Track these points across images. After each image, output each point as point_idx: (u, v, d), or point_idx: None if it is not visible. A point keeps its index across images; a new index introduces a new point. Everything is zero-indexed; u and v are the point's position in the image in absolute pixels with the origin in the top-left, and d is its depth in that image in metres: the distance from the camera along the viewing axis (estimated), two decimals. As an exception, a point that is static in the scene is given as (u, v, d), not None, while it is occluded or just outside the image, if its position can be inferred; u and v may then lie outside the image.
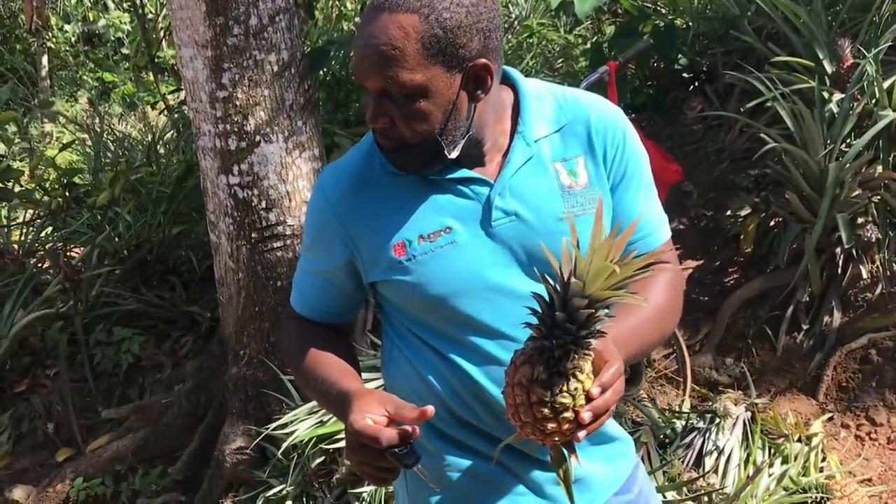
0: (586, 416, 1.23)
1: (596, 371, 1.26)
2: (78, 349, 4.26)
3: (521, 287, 1.46)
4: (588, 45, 5.56)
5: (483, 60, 1.37)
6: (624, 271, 1.18)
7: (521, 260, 1.47)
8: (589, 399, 1.24)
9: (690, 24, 4.86)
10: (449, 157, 1.43)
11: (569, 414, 1.22)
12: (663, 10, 5.29)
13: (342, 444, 2.95)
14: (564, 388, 1.22)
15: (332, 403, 1.49)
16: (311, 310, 1.64)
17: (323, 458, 3.05)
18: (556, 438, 1.25)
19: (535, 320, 1.25)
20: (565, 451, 1.31)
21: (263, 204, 3.26)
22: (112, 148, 5.95)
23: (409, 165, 1.44)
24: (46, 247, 4.99)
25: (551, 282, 1.23)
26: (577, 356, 1.22)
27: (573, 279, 1.19)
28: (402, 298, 1.52)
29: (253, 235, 3.28)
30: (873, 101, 3.54)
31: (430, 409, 1.33)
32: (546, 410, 1.22)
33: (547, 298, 1.22)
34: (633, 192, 1.53)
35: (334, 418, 2.97)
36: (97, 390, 4.20)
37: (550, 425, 1.23)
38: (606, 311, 1.22)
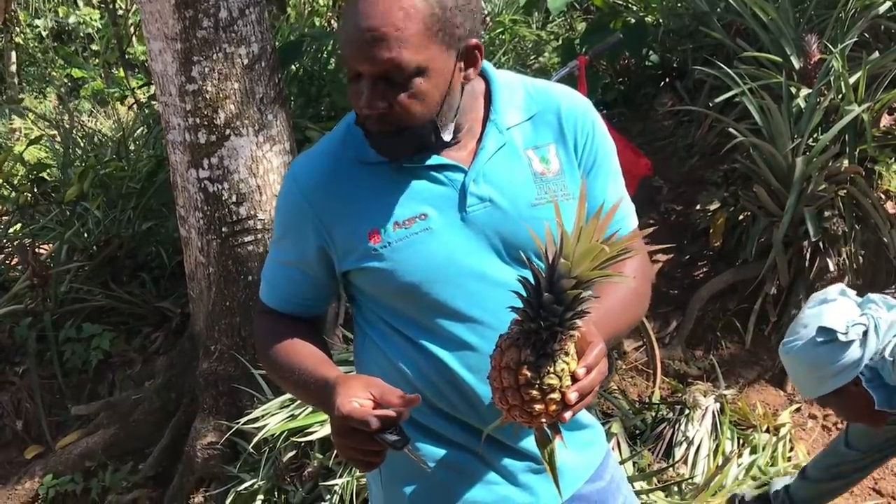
0: (573, 396, 1.26)
1: (579, 352, 1.28)
2: (47, 346, 4.22)
3: (495, 273, 1.47)
4: (560, 42, 5.58)
5: (474, 40, 1.40)
6: (611, 251, 1.20)
7: (496, 245, 1.48)
8: (575, 380, 1.26)
9: (660, 20, 4.89)
10: (444, 139, 1.44)
11: (555, 395, 1.25)
12: (634, 7, 5.32)
13: (313, 437, 2.95)
14: (551, 369, 1.25)
15: (311, 393, 1.48)
16: (283, 302, 1.62)
17: (294, 452, 3.05)
18: (543, 420, 1.28)
19: (519, 304, 1.26)
20: (549, 433, 1.33)
21: (234, 198, 3.24)
22: (81, 144, 5.90)
23: (401, 151, 1.44)
24: (14, 243, 4.94)
25: (537, 263, 1.24)
26: (563, 337, 1.25)
27: (561, 260, 1.20)
28: (376, 286, 1.51)
29: (223, 230, 3.27)
30: (839, 96, 3.59)
31: (417, 396, 1.34)
32: (534, 392, 1.25)
33: (532, 281, 1.24)
34: (603, 179, 1.56)
35: (305, 412, 2.96)
36: (66, 387, 4.17)
37: (538, 407, 1.25)
38: (590, 292, 1.24)
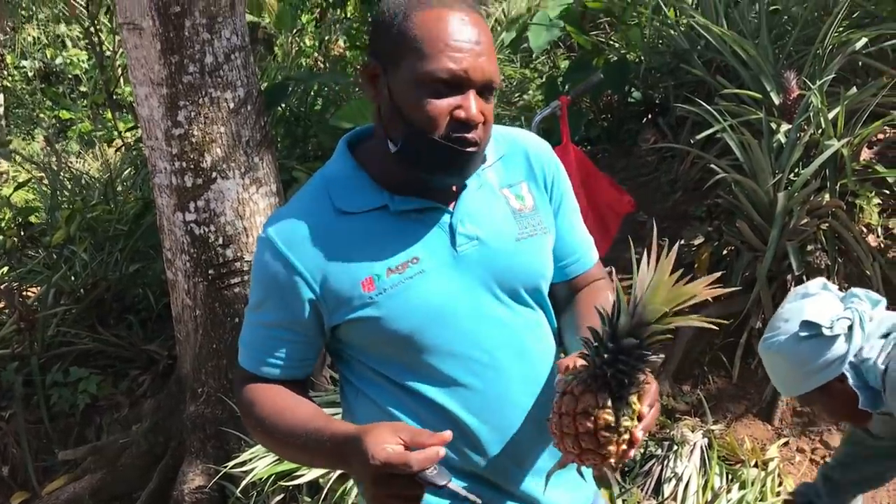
0: (640, 434, 1.30)
1: (639, 392, 1.33)
2: (34, 390, 4.20)
3: (490, 311, 1.49)
4: (543, 80, 5.65)
5: None
6: (691, 295, 1.24)
7: (488, 283, 1.49)
8: (640, 418, 1.31)
9: (642, 58, 4.96)
10: (485, 162, 1.52)
11: (626, 435, 1.29)
12: (616, 45, 5.39)
13: (301, 481, 2.94)
14: (625, 412, 1.29)
15: (326, 452, 1.41)
16: (271, 367, 1.53)
17: (282, 495, 3.03)
18: (612, 460, 1.31)
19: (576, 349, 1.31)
20: (608, 472, 1.37)
21: (220, 240, 3.26)
22: (69, 186, 5.91)
23: (471, 172, 1.47)
24: (1, 286, 4.92)
25: (612, 310, 1.27)
26: (639, 380, 1.29)
27: (649, 307, 1.23)
28: (369, 336, 1.48)
29: (210, 272, 3.28)
30: (819, 131, 3.63)
31: (448, 433, 1.31)
32: (611, 435, 1.28)
33: (608, 327, 1.27)
34: (570, 216, 1.65)
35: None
36: (53, 431, 4.15)
37: (611, 448, 1.29)
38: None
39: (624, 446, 1.30)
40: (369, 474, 1.30)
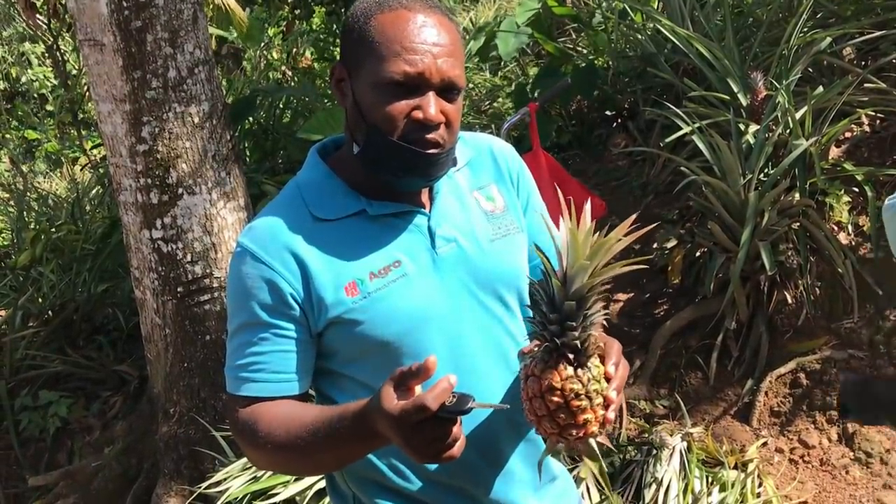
0: (613, 394, 1.31)
1: (599, 354, 1.34)
2: (2, 415, 4.12)
3: (471, 313, 1.49)
4: (513, 87, 5.64)
5: None
6: (612, 244, 1.25)
7: (468, 284, 1.49)
8: (607, 379, 1.32)
9: (610, 63, 4.97)
10: (455, 165, 1.52)
11: (598, 399, 1.30)
12: (584, 51, 5.40)
13: (277, 499, 2.89)
14: (590, 375, 1.30)
15: (354, 431, 1.33)
16: (266, 383, 1.45)
17: (258, 514, 2.98)
18: (594, 428, 1.31)
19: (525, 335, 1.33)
20: (593, 444, 1.38)
21: (189, 257, 3.21)
22: (36, 207, 5.83)
23: (438, 172, 1.45)
24: (-33, 311, 4.85)
25: (545, 281, 1.28)
26: (592, 341, 1.30)
27: (575, 265, 1.24)
28: (354, 343, 1.45)
29: (179, 290, 3.23)
30: (787, 130, 3.64)
31: (433, 357, 1.25)
32: (582, 402, 1.28)
33: (545, 298, 1.28)
34: (538, 212, 1.65)
35: (268, 473, 2.90)
36: (24, 457, 4.08)
37: (588, 416, 1.29)
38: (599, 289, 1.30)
39: (601, 411, 1.30)
40: (399, 433, 1.24)
